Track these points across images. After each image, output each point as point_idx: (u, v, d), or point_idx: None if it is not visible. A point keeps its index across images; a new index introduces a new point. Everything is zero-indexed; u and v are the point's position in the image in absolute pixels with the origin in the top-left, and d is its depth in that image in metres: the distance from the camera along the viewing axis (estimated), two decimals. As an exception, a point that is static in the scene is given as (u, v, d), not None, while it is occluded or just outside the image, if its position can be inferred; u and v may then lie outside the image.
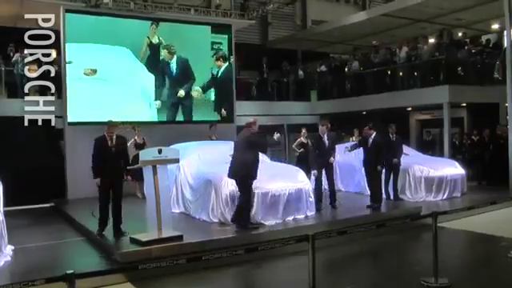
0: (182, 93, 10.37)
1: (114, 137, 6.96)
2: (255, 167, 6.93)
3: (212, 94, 11.35)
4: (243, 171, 6.95)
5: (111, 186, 6.91)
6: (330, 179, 8.77)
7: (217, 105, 11.24)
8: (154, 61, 10.22)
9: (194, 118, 11.47)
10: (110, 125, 7.05)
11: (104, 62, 9.61)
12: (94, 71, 9.58)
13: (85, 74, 9.49)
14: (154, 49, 9.95)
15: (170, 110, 10.32)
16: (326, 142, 8.65)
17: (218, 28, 11.13)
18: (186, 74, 10.34)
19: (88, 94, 9.69)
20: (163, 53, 10.19)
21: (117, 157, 6.92)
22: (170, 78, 10.33)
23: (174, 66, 10.34)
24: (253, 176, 6.95)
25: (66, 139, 11.33)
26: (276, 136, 7.18)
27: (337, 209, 8.58)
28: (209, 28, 10.99)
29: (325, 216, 8.14)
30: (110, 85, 9.80)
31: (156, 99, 10.28)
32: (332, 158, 8.73)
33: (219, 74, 11.38)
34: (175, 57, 10.35)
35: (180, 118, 10.74)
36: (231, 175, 7.07)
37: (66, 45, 9.68)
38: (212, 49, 11.04)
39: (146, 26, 10.06)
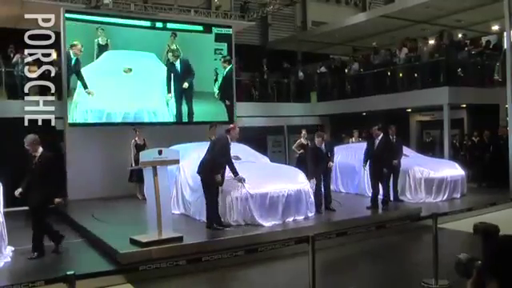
0: (186, 85, 12.56)
1: (39, 154, 6.35)
2: (210, 169, 7.06)
3: (217, 87, 13.41)
4: (200, 169, 7.21)
5: (31, 210, 6.37)
6: (327, 182, 8.67)
7: (222, 95, 13.41)
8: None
9: (201, 107, 12.85)
10: (30, 141, 6.37)
11: (137, 63, 12.01)
12: (130, 70, 11.80)
13: (124, 71, 11.74)
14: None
15: (178, 99, 12.57)
16: (324, 150, 8.58)
17: (219, 38, 13.47)
18: (188, 71, 12.61)
19: (124, 88, 11.80)
20: (170, 56, 12.44)
21: (39, 178, 6.25)
22: (176, 75, 12.52)
23: (178, 66, 12.51)
24: (208, 176, 7.07)
25: (67, 140, 11.35)
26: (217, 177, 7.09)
27: (335, 210, 8.54)
28: (213, 37, 13.36)
29: (325, 217, 8.14)
30: (140, 81, 11.99)
31: (168, 92, 12.44)
32: (331, 163, 8.70)
33: (224, 74, 13.45)
34: (179, 59, 12.51)
35: (184, 107, 12.65)
36: (197, 171, 7.35)
37: (113, 51, 11.72)
38: (215, 53, 13.39)
39: (167, 36, 12.50)
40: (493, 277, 1.38)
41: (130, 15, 12.59)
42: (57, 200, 6.28)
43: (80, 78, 11.16)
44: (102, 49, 11.53)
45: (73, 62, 11.16)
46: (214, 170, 7.06)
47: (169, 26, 12.74)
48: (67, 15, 11.22)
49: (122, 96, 11.68)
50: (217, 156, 7.14)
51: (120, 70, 11.75)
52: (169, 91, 12.37)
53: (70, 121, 11.10)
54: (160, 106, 12.35)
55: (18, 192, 6.37)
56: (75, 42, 11.11)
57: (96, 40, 11.46)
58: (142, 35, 12.18)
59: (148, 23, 12.51)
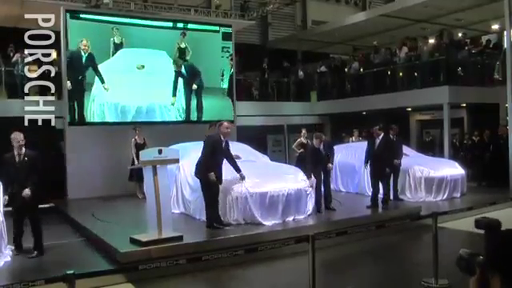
0: (195, 86, 13.11)
1: (23, 152, 6.31)
2: (206, 168, 7.05)
3: (225, 83, 13.86)
4: (196, 170, 7.24)
5: (23, 210, 6.31)
6: (327, 181, 8.69)
7: (229, 91, 13.89)
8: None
9: (210, 102, 13.31)
10: (21, 139, 6.33)
11: (149, 60, 12.66)
12: (143, 66, 12.41)
13: (137, 68, 12.36)
14: (182, 52, 13.09)
15: (187, 97, 13.05)
16: (323, 151, 8.56)
17: (226, 36, 13.84)
18: (194, 74, 13.12)
19: (137, 83, 12.39)
20: (174, 65, 12.91)
21: (25, 177, 6.22)
22: (183, 78, 13.04)
23: (183, 71, 13.06)
24: (204, 176, 7.04)
25: (67, 140, 11.36)
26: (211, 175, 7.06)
27: (336, 210, 8.53)
28: (220, 36, 13.77)
29: (325, 216, 8.13)
30: (151, 77, 12.62)
31: (173, 95, 12.87)
32: (330, 165, 8.64)
33: (230, 71, 13.89)
34: (183, 65, 13.03)
35: (193, 102, 13.11)
36: (194, 173, 7.37)
37: (127, 49, 12.30)
38: (222, 51, 13.81)
39: (176, 35, 13.16)
40: (495, 271, 1.38)
41: (129, 14, 12.66)
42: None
43: (97, 73, 11.63)
44: (118, 47, 12.20)
45: (83, 58, 11.52)
46: (208, 168, 7.04)
47: (190, 26, 13.33)
48: (69, 14, 11.32)
49: (135, 91, 12.31)
50: (209, 154, 7.14)
51: (133, 66, 12.34)
52: (174, 94, 12.81)
53: (87, 113, 11.47)
54: (170, 101, 12.91)
55: (5, 200, 6.32)
56: (81, 40, 11.43)
57: (112, 39, 12.08)
58: (155, 34, 12.85)
59: (170, 24, 13.20)
